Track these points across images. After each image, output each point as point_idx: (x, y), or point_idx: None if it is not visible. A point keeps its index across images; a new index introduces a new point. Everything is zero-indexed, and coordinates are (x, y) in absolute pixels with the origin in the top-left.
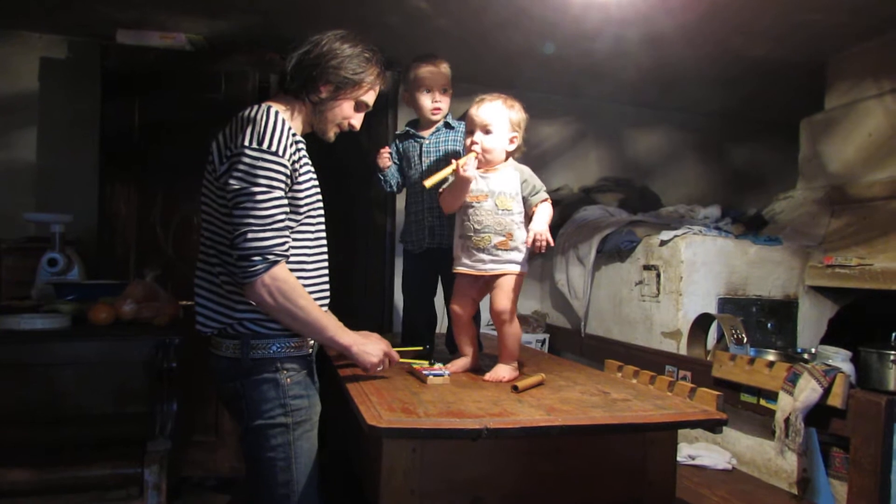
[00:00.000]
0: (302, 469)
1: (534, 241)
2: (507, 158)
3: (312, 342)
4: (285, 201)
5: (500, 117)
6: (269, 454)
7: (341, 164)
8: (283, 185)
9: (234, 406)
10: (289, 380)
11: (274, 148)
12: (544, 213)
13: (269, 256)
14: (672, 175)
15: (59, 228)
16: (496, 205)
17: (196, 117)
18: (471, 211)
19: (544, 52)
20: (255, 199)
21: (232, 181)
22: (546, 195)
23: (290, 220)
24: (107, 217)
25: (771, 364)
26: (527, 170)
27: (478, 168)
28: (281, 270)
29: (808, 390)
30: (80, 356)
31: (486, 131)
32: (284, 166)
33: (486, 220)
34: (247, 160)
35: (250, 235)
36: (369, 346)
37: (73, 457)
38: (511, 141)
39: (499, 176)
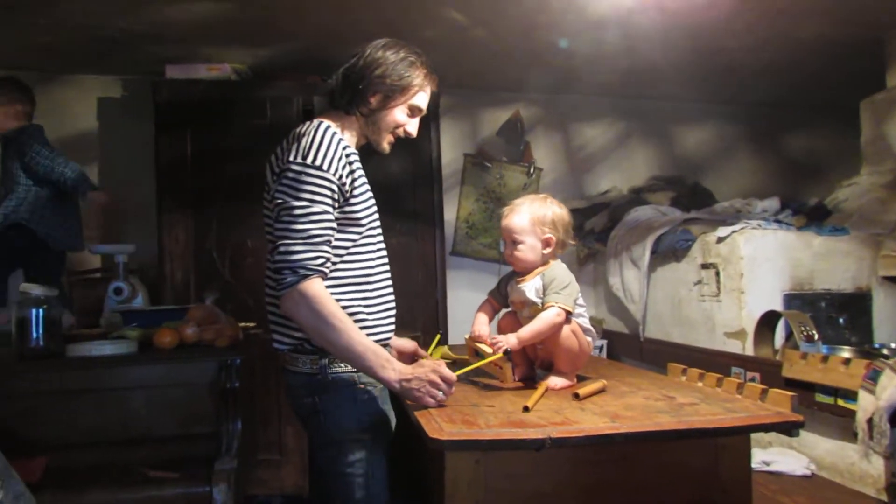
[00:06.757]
0: (379, 484)
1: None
2: (547, 261)
3: None
4: (330, 217)
5: (527, 226)
6: (348, 469)
7: (387, 176)
8: (327, 201)
9: (312, 422)
10: (366, 395)
11: (318, 162)
12: (535, 322)
13: (300, 270)
14: (724, 170)
15: (122, 259)
16: (531, 315)
17: (244, 143)
18: (518, 314)
19: (560, 46)
20: (294, 213)
21: (277, 196)
22: (556, 299)
23: (351, 233)
24: (166, 245)
25: (847, 361)
26: (555, 273)
27: (518, 280)
28: (312, 285)
29: (891, 388)
30: (147, 379)
31: (515, 242)
32: (330, 181)
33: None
34: (291, 175)
35: (282, 248)
36: (414, 382)
37: (145, 477)
38: (547, 243)
39: (530, 284)
